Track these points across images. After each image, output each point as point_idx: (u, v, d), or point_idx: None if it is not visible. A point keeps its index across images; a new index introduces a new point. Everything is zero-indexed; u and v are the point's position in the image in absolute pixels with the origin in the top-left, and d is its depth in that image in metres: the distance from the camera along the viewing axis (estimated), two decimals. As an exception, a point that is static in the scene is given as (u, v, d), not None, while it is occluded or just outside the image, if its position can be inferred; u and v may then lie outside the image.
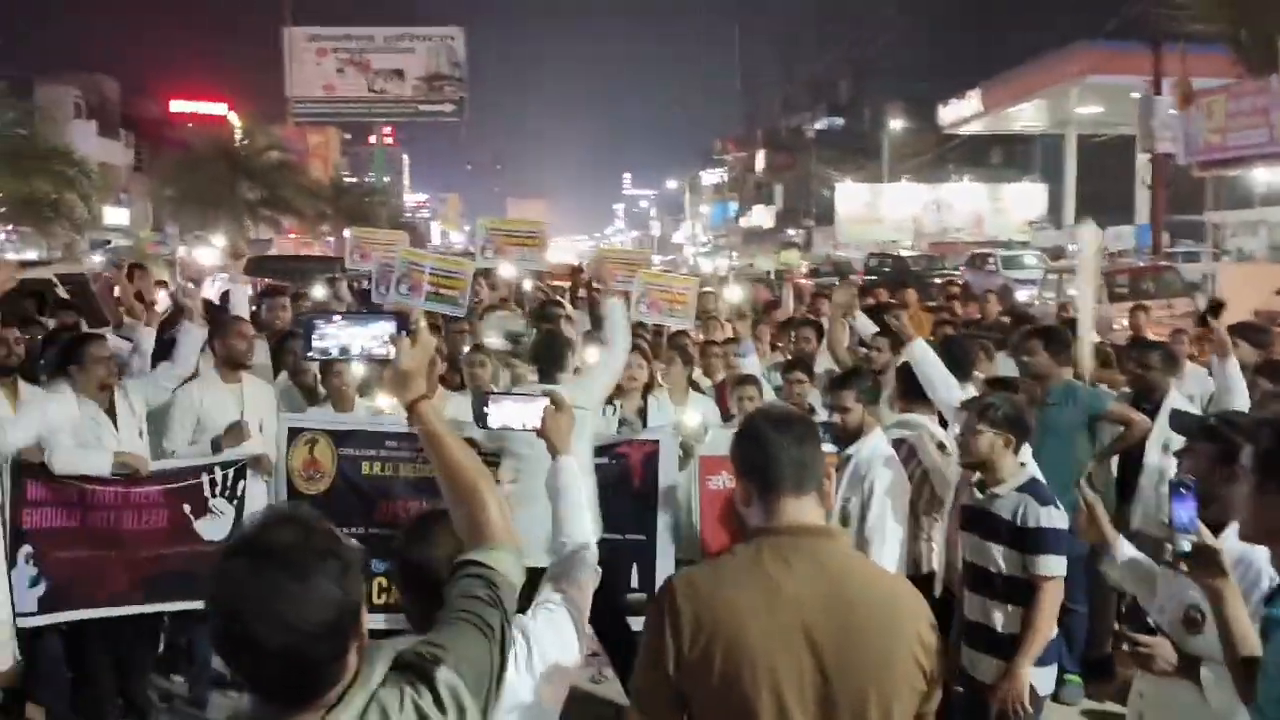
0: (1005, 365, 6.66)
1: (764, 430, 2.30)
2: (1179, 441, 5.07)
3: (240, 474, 5.43)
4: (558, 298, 9.41)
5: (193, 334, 5.66)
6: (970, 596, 4.05)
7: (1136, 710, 3.31)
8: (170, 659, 5.84)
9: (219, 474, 5.40)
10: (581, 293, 10.34)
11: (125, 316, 7.84)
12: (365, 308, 8.38)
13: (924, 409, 5.23)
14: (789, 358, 7.50)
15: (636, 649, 2.24)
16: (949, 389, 5.02)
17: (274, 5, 50.11)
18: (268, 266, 16.17)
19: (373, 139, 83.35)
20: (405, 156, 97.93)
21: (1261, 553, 2.66)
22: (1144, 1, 24.93)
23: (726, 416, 6.28)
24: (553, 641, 2.40)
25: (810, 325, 7.95)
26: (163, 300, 8.56)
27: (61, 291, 8.70)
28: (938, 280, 26.97)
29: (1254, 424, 3.01)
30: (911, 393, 5.28)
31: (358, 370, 5.90)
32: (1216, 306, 6.53)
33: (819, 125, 64.03)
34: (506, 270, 8.08)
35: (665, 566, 5.52)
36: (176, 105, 50.06)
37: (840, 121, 64.06)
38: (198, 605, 5.35)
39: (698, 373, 7.09)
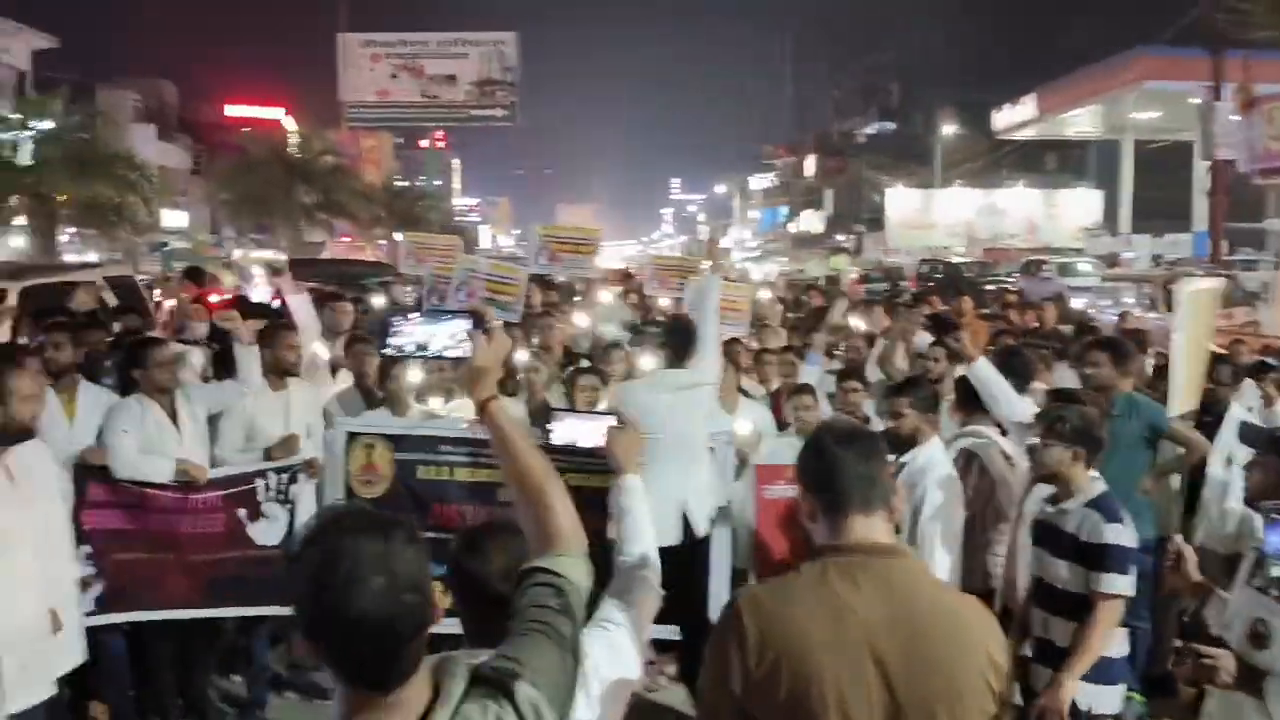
0: (1062, 376, 6.57)
1: (829, 446, 2.27)
2: (1242, 454, 4.99)
3: (292, 478, 5.51)
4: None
5: (248, 352, 5.71)
6: (1036, 611, 3.97)
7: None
8: (229, 660, 5.92)
9: (272, 478, 5.47)
10: (633, 298, 10.36)
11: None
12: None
13: (984, 419, 5.18)
14: (841, 367, 7.47)
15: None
16: (1013, 405, 4.95)
17: (329, 11, 50.72)
18: (314, 272, 16.06)
19: (424, 143, 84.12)
20: (456, 161, 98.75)
21: None
22: (1204, 7, 24.51)
23: (781, 425, 6.25)
24: (610, 661, 2.38)
25: (860, 334, 8.00)
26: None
27: (109, 295, 8.75)
28: (990, 287, 26.72)
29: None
30: (971, 403, 5.22)
31: (415, 375, 5.96)
32: None
33: (870, 129, 63.70)
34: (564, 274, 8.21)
35: (721, 574, 5.51)
36: (233, 110, 50.87)
37: (892, 126, 63.66)
38: (252, 611, 5.46)
39: (748, 380, 7.08)
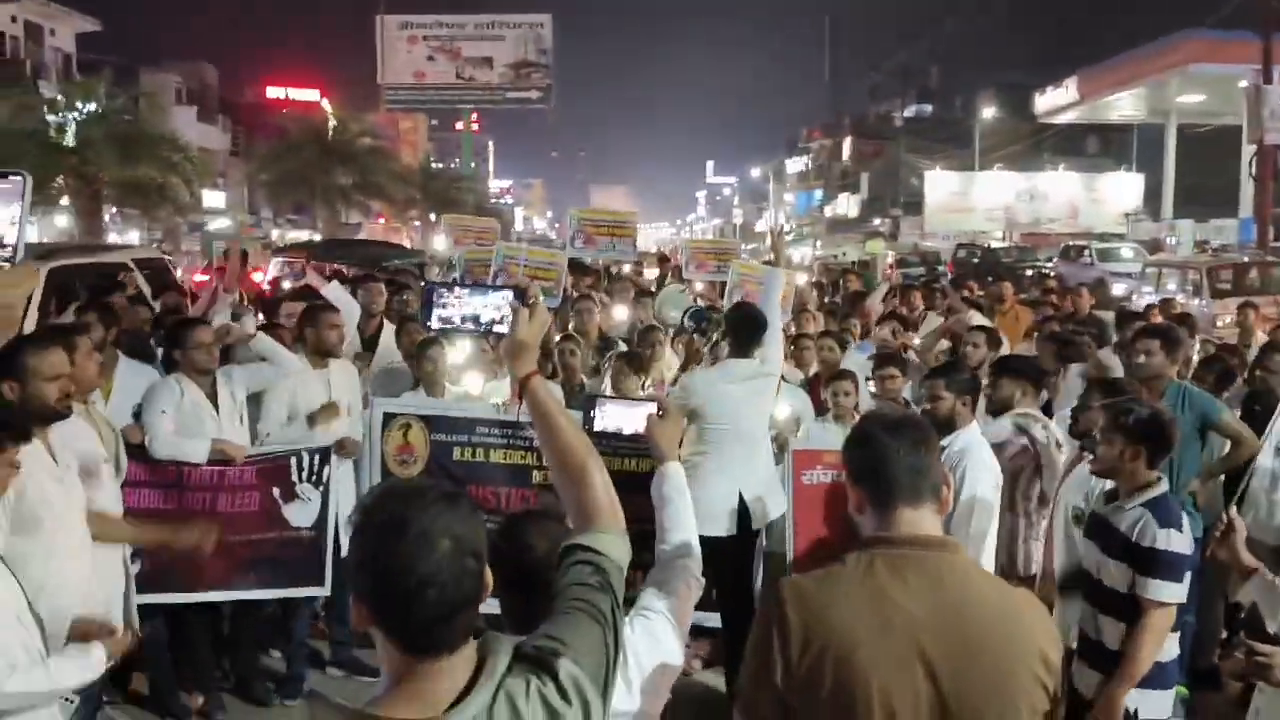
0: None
1: (878, 436, 2.21)
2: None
3: (325, 459, 5.51)
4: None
5: (277, 345, 5.78)
6: (1085, 607, 3.83)
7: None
8: (268, 635, 5.96)
9: (306, 459, 5.49)
10: (670, 280, 10.32)
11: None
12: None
13: (1030, 403, 5.13)
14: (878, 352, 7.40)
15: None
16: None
17: (367, -7, 50.95)
18: (340, 253, 15.73)
19: (459, 125, 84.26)
20: (490, 142, 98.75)
21: None
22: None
23: (820, 411, 6.20)
24: (650, 649, 2.36)
25: (895, 318, 7.97)
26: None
27: (140, 278, 8.72)
28: (1029, 272, 26.41)
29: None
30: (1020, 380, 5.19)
31: (455, 354, 5.98)
32: None
33: (908, 113, 62.92)
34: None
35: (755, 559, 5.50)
36: (272, 91, 51.23)
37: (929, 109, 62.92)
38: (289, 593, 5.50)
39: (785, 365, 7.02)
